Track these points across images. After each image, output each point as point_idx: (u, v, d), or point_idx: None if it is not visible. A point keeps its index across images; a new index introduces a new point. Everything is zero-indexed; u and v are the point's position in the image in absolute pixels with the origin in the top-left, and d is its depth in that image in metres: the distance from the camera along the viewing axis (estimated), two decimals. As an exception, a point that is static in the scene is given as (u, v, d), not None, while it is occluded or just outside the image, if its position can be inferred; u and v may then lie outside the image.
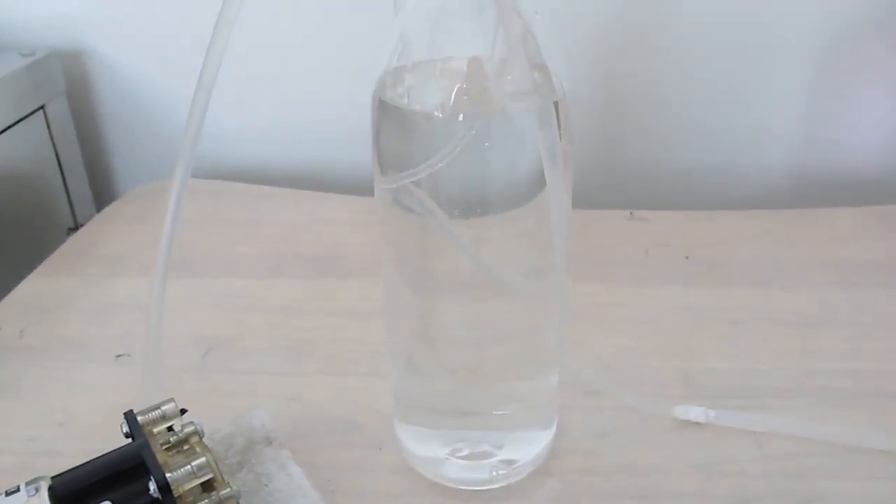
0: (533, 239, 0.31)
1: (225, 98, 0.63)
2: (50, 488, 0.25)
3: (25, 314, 0.46)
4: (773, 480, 0.33)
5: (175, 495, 0.26)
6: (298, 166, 0.64)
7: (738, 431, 0.36)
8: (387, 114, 0.29)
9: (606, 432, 0.36)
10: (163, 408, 0.28)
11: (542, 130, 0.26)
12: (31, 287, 0.49)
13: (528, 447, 0.34)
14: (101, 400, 0.39)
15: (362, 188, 0.59)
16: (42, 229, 0.60)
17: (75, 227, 0.61)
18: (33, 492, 0.25)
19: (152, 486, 0.25)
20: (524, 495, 0.33)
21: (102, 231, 0.56)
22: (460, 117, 0.27)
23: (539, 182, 0.28)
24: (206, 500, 0.27)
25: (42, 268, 0.51)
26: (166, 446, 0.28)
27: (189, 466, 0.26)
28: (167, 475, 0.25)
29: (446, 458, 0.34)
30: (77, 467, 0.26)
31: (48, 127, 0.60)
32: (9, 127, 0.55)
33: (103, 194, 0.66)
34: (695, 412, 0.36)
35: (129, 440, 0.28)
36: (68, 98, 0.62)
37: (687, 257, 0.50)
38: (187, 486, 0.26)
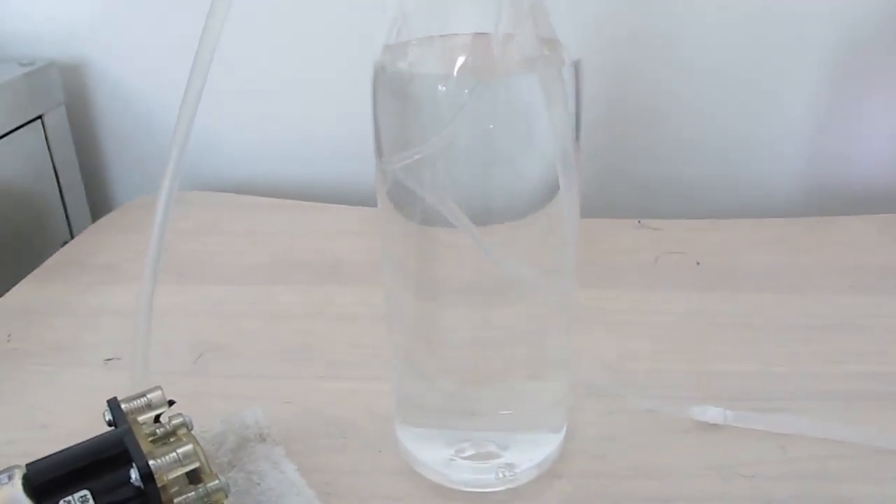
0: (542, 227, 0.30)
1: (225, 113, 0.64)
2: (24, 476, 0.23)
3: (13, 319, 0.45)
4: (798, 483, 0.31)
5: (159, 485, 0.24)
6: (299, 180, 0.63)
7: (758, 433, 0.34)
8: (388, 87, 0.28)
9: (618, 435, 0.34)
10: (149, 395, 0.27)
11: (550, 97, 0.25)
12: (20, 293, 0.48)
13: (535, 449, 0.32)
14: (87, 403, 0.36)
15: (363, 202, 0.58)
16: (37, 241, 0.58)
17: (71, 240, 0.60)
18: (6, 480, 0.23)
19: (134, 475, 0.23)
20: (531, 498, 0.31)
21: (96, 241, 0.55)
22: (465, 84, 0.26)
23: (549, 168, 0.27)
24: (193, 493, 0.25)
25: (33, 275, 0.50)
26: (152, 438, 0.26)
27: (174, 454, 0.24)
28: (150, 462, 0.24)
29: (450, 460, 0.32)
30: (53, 454, 0.24)
31: (46, 138, 0.59)
32: (5, 135, 0.55)
33: (100, 207, 0.65)
34: (712, 413, 0.34)
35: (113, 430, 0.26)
36: (67, 110, 0.62)
37: (698, 263, 0.48)
38: (172, 476, 0.24)
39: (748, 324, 0.42)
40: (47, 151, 0.60)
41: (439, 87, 0.26)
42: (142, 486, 0.23)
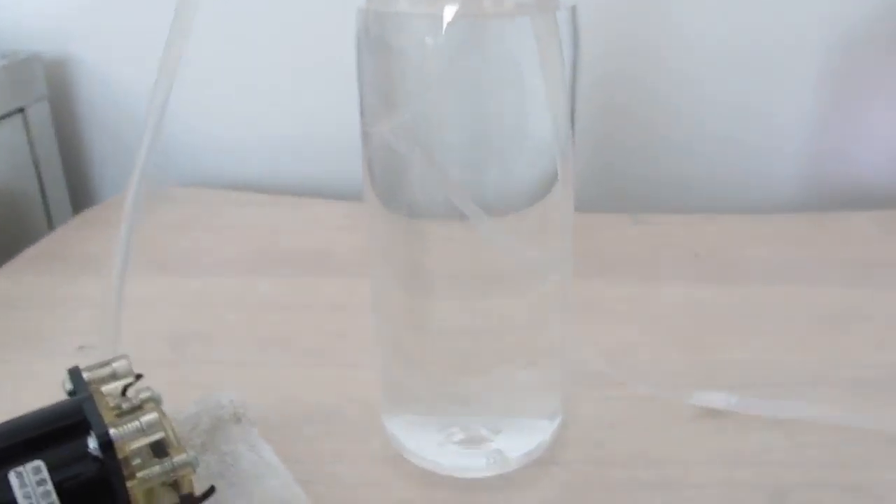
0: (535, 196, 0.28)
1: (211, 110, 0.62)
2: (-29, 446, 0.22)
3: (-15, 309, 0.43)
4: (808, 470, 0.30)
5: (120, 456, 0.22)
6: (286, 177, 0.62)
7: (764, 420, 0.32)
8: (373, 38, 0.26)
9: (617, 423, 0.33)
10: (114, 364, 0.25)
11: (542, 43, 0.23)
12: (-6, 284, 0.46)
13: (528, 435, 0.31)
14: (58, 389, 0.35)
15: (352, 197, 0.57)
16: (16, 236, 0.57)
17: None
18: (-48, 449, 0.21)
19: (92, 443, 0.21)
20: (525, 485, 0.29)
21: (76, 235, 0.53)
22: (453, 31, 0.24)
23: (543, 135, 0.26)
24: (159, 467, 0.23)
25: (6, 267, 0.48)
26: (117, 413, 0.24)
27: (137, 422, 0.22)
28: (111, 431, 0.22)
29: (439, 445, 0.30)
30: (4, 423, 0.22)
31: (27, 132, 0.58)
32: (-16, 125, 0.53)
33: (82, 203, 0.63)
34: (716, 399, 0.33)
35: (74, 402, 0.24)
36: (50, 104, 0.60)
37: (696, 255, 0.47)
38: (134, 446, 0.22)
39: (750, 314, 0.41)
40: (28, 146, 0.58)
41: (427, 38, 0.25)
42: (100, 456, 0.21)
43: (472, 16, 0.24)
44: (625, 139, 0.58)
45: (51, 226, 0.59)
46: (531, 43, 0.24)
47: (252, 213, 0.56)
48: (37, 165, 0.59)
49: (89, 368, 0.25)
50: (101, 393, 0.24)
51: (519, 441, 0.30)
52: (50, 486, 0.21)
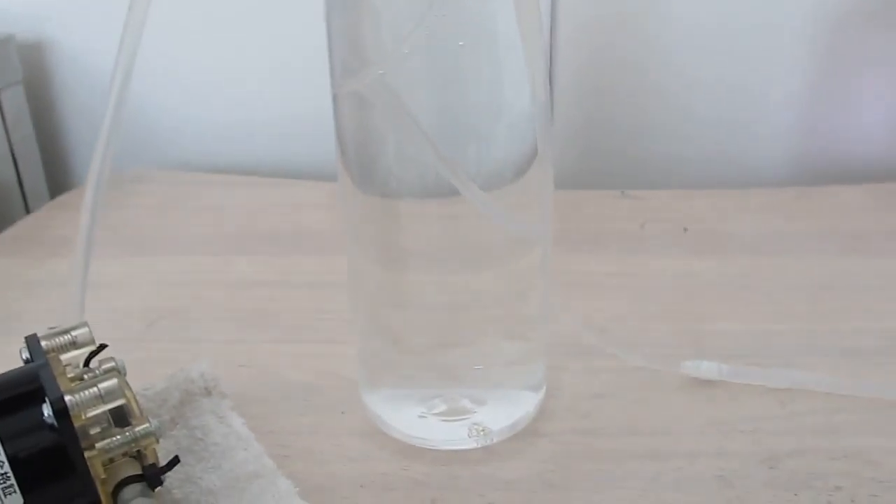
0: (514, 155, 0.27)
1: (186, 94, 0.61)
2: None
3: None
4: (801, 438, 0.29)
5: (76, 424, 0.21)
6: (265, 160, 0.60)
7: (755, 389, 0.31)
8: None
9: (605, 393, 0.32)
10: (73, 332, 0.24)
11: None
12: (-36, 266, 0.45)
13: (512, 406, 0.30)
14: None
15: (331, 179, 0.55)
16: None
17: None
18: None
19: (47, 411, 0.20)
20: (509, 457, 0.28)
21: (49, 218, 0.52)
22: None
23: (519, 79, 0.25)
24: (120, 437, 0.22)
25: (-21, 249, 0.47)
26: (76, 382, 0.23)
27: (95, 388, 0.21)
28: (66, 398, 0.20)
29: (420, 417, 0.29)
30: (-46, 391, 0.21)
31: (2, 116, 0.56)
32: (-46, 108, 0.52)
33: (59, 187, 0.61)
34: (706, 368, 0.32)
35: (31, 372, 0.23)
36: (26, 88, 0.59)
37: (686, 229, 0.46)
38: (92, 413, 0.21)
39: (741, 285, 0.40)
40: (3, 130, 0.57)
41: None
42: (55, 424, 0.20)
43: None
44: (613, 117, 0.57)
45: (28, 210, 0.58)
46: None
47: (230, 194, 0.54)
48: (12, 150, 0.57)
49: (47, 336, 0.23)
50: (60, 361, 0.23)
51: (502, 412, 0.29)
52: (3, 457, 0.20)
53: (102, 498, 0.21)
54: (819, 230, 0.46)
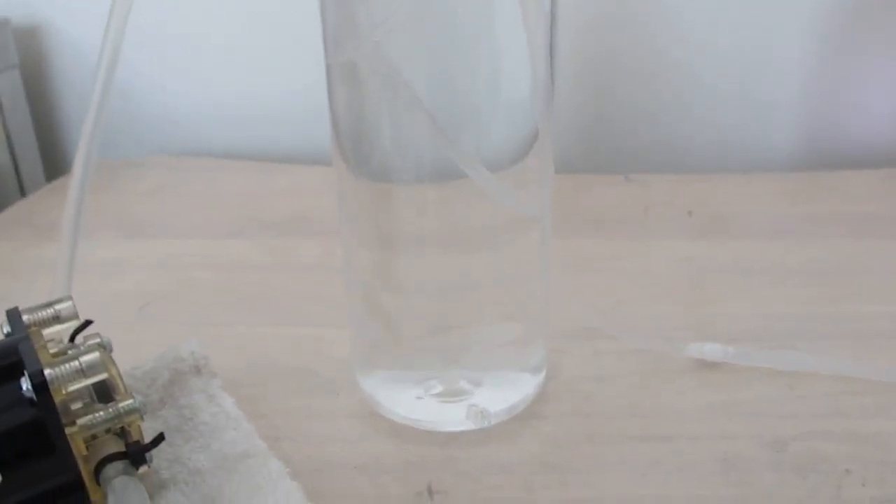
0: (513, 136, 0.26)
1: (182, 80, 0.60)
2: None
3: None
4: (809, 421, 0.28)
5: (57, 399, 0.20)
6: (262, 145, 0.60)
7: (762, 372, 0.30)
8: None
9: (606, 376, 0.31)
10: (57, 307, 0.23)
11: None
12: (-43, 249, 0.44)
13: (511, 388, 0.29)
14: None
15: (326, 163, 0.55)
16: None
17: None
18: None
19: (25, 384, 0.20)
20: (507, 439, 0.27)
21: (45, 202, 0.51)
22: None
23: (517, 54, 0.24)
24: (102, 413, 0.21)
25: (-29, 233, 0.46)
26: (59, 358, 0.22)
27: (76, 362, 0.20)
28: (46, 371, 0.20)
29: (417, 398, 0.28)
30: (-68, 365, 0.21)
31: (-2, 100, 0.56)
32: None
33: (55, 172, 0.61)
34: (710, 350, 0.31)
35: (12, 347, 0.22)
36: (22, 72, 0.58)
37: (690, 213, 0.45)
38: (73, 388, 0.20)
39: (746, 269, 0.39)
40: (-1, 115, 0.56)
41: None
42: (34, 398, 0.19)
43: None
44: (616, 101, 0.56)
45: (23, 194, 0.57)
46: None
47: (225, 178, 0.54)
48: (8, 134, 0.57)
49: (30, 310, 0.23)
50: (41, 335, 0.22)
51: (501, 394, 0.28)
52: (-19, 433, 0.20)
53: (84, 476, 0.20)
54: (826, 214, 0.45)
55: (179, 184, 0.53)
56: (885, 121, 0.56)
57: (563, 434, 0.28)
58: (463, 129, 0.25)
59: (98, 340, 0.24)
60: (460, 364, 0.29)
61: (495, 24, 0.24)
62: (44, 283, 0.39)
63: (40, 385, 0.19)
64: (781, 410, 0.28)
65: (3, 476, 0.20)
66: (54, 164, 0.62)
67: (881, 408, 0.28)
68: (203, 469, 0.23)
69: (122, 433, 0.22)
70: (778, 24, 0.52)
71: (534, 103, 0.25)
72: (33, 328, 0.22)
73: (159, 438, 0.21)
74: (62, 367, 0.20)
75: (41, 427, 0.20)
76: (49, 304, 0.23)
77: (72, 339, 0.24)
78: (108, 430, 0.21)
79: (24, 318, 0.22)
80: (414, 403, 0.28)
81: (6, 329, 0.22)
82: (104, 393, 0.22)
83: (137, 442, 0.21)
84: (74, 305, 0.23)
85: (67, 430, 0.20)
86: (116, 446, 0.21)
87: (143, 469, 0.22)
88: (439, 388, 0.28)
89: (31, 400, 0.20)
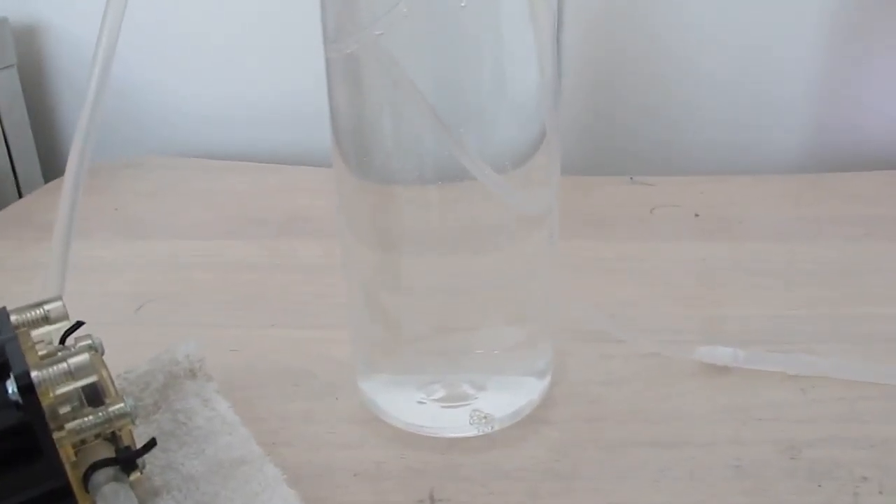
0: (519, 136, 0.26)
1: (184, 81, 0.60)
2: None
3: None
4: (823, 426, 0.27)
5: (44, 403, 0.19)
6: (257, 147, 0.59)
7: (774, 376, 0.29)
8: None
9: (613, 380, 0.30)
10: (46, 307, 0.22)
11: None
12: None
13: (515, 393, 0.28)
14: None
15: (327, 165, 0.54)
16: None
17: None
18: None
19: (11, 387, 0.19)
20: (512, 445, 0.26)
21: (42, 203, 0.50)
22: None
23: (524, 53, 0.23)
24: (92, 417, 0.20)
25: (-32, 233, 0.45)
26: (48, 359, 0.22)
27: (64, 364, 0.19)
28: (33, 373, 0.19)
29: (419, 403, 0.27)
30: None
31: (-6, 99, 0.55)
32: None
33: (53, 172, 0.60)
34: (721, 354, 0.30)
35: None
36: (20, 71, 0.57)
37: (697, 215, 0.44)
38: (61, 391, 0.19)
39: (755, 271, 0.38)
40: (-4, 114, 0.55)
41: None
42: (20, 401, 0.19)
43: None
44: (622, 103, 0.55)
45: (20, 195, 0.57)
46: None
47: (224, 179, 0.53)
48: (5, 134, 0.56)
49: (18, 310, 0.22)
50: (30, 336, 0.21)
51: (505, 399, 0.28)
52: (-35, 438, 0.19)
53: (72, 482, 0.20)
54: (834, 216, 0.44)
55: (177, 184, 0.52)
56: (890, 123, 0.55)
57: (569, 440, 0.27)
58: (468, 127, 0.24)
59: (89, 342, 0.23)
60: (463, 368, 0.28)
61: (501, 20, 0.24)
62: (38, 284, 0.39)
63: (26, 387, 0.19)
64: (794, 415, 0.28)
65: (-13, 482, 0.19)
66: (52, 165, 0.61)
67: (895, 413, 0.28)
68: (197, 475, 0.23)
69: (113, 438, 0.21)
70: (785, 25, 0.52)
71: (541, 102, 0.25)
72: (22, 329, 0.21)
73: (151, 444, 0.21)
74: (50, 370, 0.19)
75: (27, 431, 0.19)
76: (38, 305, 0.22)
77: (62, 340, 0.23)
78: (97, 435, 0.20)
79: (13, 318, 0.22)
80: (416, 408, 0.27)
81: (-7, 330, 0.21)
82: (94, 396, 0.21)
83: (128, 447, 0.20)
84: (64, 306, 0.22)
85: (55, 435, 0.19)
86: (106, 452, 0.20)
87: (134, 475, 0.21)
88: (442, 393, 0.27)
89: (16, 403, 0.19)
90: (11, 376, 0.19)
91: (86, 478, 0.20)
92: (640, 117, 0.55)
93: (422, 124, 0.24)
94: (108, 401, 0.21)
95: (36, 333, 0.22)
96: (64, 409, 0.20)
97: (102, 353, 0.23)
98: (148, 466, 0.23)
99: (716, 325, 0.34)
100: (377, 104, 0.25)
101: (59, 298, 0.22)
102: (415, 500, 0.24)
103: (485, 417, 0.27)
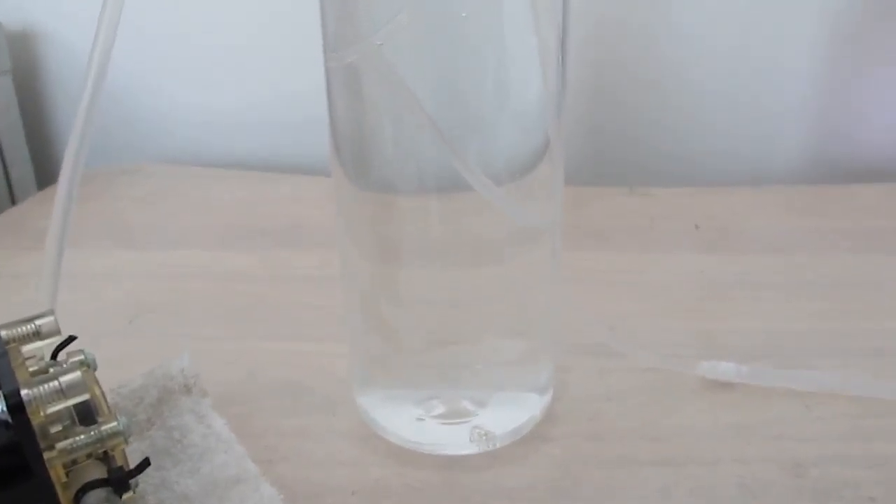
0: (522, 149, 0.25)
1: (183, 87, 0.59)
2: None
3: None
4: (829, 444, 0.26)
5: (35, 421, 0.18)
6: (260, 154, 0.59)
7: (777, 392, 0.29)
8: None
9: (615, 395, 0.29)
10: (37, 322, 0.22)
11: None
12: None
13: (516, 409, 0.27)
14: None
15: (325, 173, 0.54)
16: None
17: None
18: None
19: (0, 406, 0.18)
20: (513, 463, 0.26)
21: (35, 210, 0.50)
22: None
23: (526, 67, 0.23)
24: (84, 436, 0.19)
25: (-41, 241, 0.45)
26: (39, 376, 0.21)
27: (56, 382, 0.19)
28: (23, 391, 0.18)
29: (418, 420, 0.27)
30: None
31: (-12, 105, 0.55)
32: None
33: (47, 180, 0.59)
34: (724, 369, 0.29)
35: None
36: (14, 78, 0.57)
37: (697, 227, 0.44)
38: (52, 409, 0.19)
39: (756, 283, 0.38)
40: (-11, 120, 0.55)
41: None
42: (10, 421, 0.18)
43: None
44: (621, 113, 0.55)
45: (14, 202, 0.56)
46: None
47: (221, 188, 0.52)
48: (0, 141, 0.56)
49: (8, 325, 0.21)
50: (20, 352, 0.21)
51: (506, 415, 0.27)
52: (-48, 458, 0.18)
53: (63, 504, 0.19)
54: (835, 228, 0.44)
55: (174, 192, 0.52)
56: (891, 134, 0.55)
57: (571, 457, 0.26)
58: (469, 137, 0.24)
59: (81, 358, 0.22)
60: (463, 383, 0.27)
61: (504, 28, 0.23)
62: (31, 293, 0.38)
63: (16, 406, 0.18)
64: (799, 433, 0.27)
65: (-25, 504, 0.18)
66: (46, 172, 0.61)
67: (903, 430, 0.27)
68: (191, 495, 0.22)
69: (105, 458, 0.20)
70: (785, 36, 0.52)
71: (544, 113, 0.24)
72: (12, 344, 0.21)
73: (144, 464, 0.20)
74: (41, 388, 0.19)
75: (17, 451, 0.18)
76: (30, 320, 0.22)
77: (54, 355, 0.22)
78: (89, 455, 0.20)
79: (3, 333, 0.21)
80: (414, 424, 0.27)
81: (-17, 345, 0.21)
82: (86, 414, 0.20)
83: (121, 468, 0.20)
84: (56, 321, 0.22)
85: (45, 455, 0.19)
86: (98, 472, 0.20)
87: (127, 496, 0.20)
88: (441, 409, 0.27)
89: (6, 422, 0.18)
90: (1, 394, 0.18)
91: (77, 499, 0.19)
92: (638, 127, 0.55)
93: (422, 135, 0.24)
94: (100, 419, 0.20)
95: (27, 349, 0.21)
96: (55, 428, 0.19)
97: (95, 369, 0.23)
98: (141, 485, 0.23)
99: (717, 338, 0.33)
100: (377, 113, 0.25)
101: (51, 313, 0.22)
102: (414, 519, 0.24)
103: (486, 434, 0.26)
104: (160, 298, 0.38)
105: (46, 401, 0.19)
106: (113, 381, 0.27)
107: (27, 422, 0.18)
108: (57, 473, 0.19)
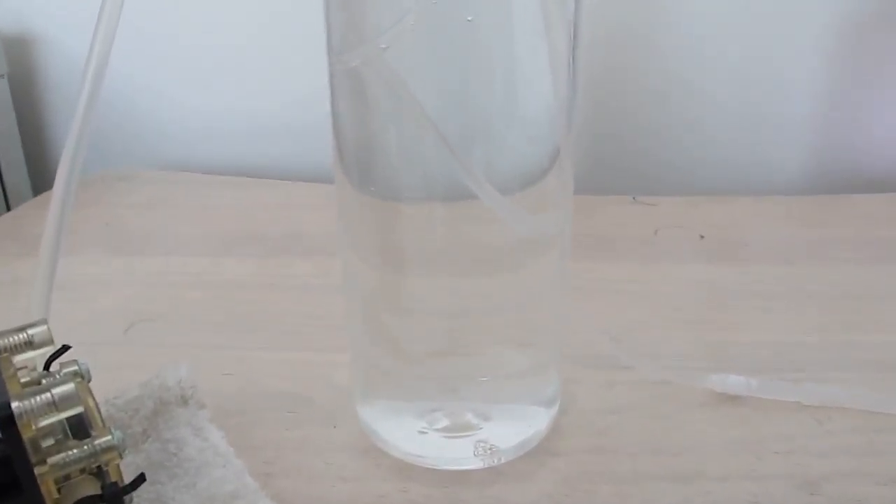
0: (529, 158, 0.25)
1: (178, 93, 0.59)
2: None
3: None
4: (841, 460, 0.26)
5: (26, 435, 0.18)
6: (253, 162, 0.58)
7: (787, 406, 0.28)
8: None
9: (623, 409, 0.29)
10: (30, 331, 0.21)
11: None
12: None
13: (522, 423, 0.27)
14: None
15: (326, 180, 0.53)
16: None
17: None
18: None
19: (-10, 419, 0.18)
20: (519, 478, 0.25)
21: (31, 216, 0.49)
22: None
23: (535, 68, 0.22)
24: (77, 450, 0.19)
25: (-49, 247, 0.44)
26: (31, 387, 0.20)
27: (48, 394, 0.18)
28: (13, 403, 0.18)
29: (420, 433, 0.26)
30: None
31: (-17, 110, 0.54)
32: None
33: (43, 185, 0.59)
34: (733, 382, 0.29)
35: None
36: (10, 83, 0.56)
37: (702, 237, 0.43)
38: (45, 422, 0.18)
39: (764, 294, 0.37)
40: (-16, 125, 0.54)
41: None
42: (0, 434, 0.17)
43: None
44: (625, 122, 0.54)
45: (8, 208, 0.55)
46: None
47: (219, 194, 0.52)
48: (-6, 146, 0.55)
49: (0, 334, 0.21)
50: (11, 362, 0.20)
51: (511, 429, 0.26)
52: (-61, 473, 0.17)
53: (55, 521, 0.18)
54: (841, 238, 0.43)
55: (170, 198, 0.51)
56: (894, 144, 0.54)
57: (578, 473, 0.26)
58: (475, 145, 0.23)
59: (75, 368, 0.22)
60: (467, 395, 0.27)
61: (512, 34, 0.23)
62: (24, 301, 0.37)
63: (7, 419, 0.17)
64: (811, 448, 0.26)
65: (-37, 521, 0.18)
66: (41, 178, 0.60)
67: (919, 446, 0.27)
68: (188, 511, 0.21)
69: (99, 472, 0.20)
70: (789, 46, 0.51)
71: (553, 122, 0.24)
72: (3, 355, 0.20)
73: (139, 480, 0.19)
74: (32, 400, 0.18)
75: (7, 466, 0.18)
76: (22, 329, 0.21)
77: (46, 366, 0.22)
78: (82, 470, 0.19)
79: (-6, 342, 0.20)
80: (417, 438, 0.26)
81: (-27, 355, 0.20)
82: (80, 427, 0.20)
83: (115, 483, 0.19)
84: (49, 330, 0.21)
85: (37, 470, 0.18)
86: (92, 488, 0.19)
87: (121, 512, 0.20)
88: (445, 422, 0.26)
89: (-5, 437, 0.17)
90: (-9, 407, 0.18)
91: (69, 516, 0.19)
92: (642, 136, 0.54)
93: (427, 143, 0.23)
94: (94, 433, 0.19)
95: (19, 359, 0.21)
96: (47, 442, 0.18)
97: (89, 380, 0.22)
98: (136, 500, 0.22)
99: (724, 350, 0.33)
100: (381, 119, 0.24)
101: (44, 322, 0.21)
102: (417, 536, 0.23)
103: (490, 449, 0.25)
104: (157, 307, 0.37)
105: (38, 413, 0.18)
106: (107, 391, 0.26)
107: (17, 435, 0.18)
108: (48, 489, 0.18)
